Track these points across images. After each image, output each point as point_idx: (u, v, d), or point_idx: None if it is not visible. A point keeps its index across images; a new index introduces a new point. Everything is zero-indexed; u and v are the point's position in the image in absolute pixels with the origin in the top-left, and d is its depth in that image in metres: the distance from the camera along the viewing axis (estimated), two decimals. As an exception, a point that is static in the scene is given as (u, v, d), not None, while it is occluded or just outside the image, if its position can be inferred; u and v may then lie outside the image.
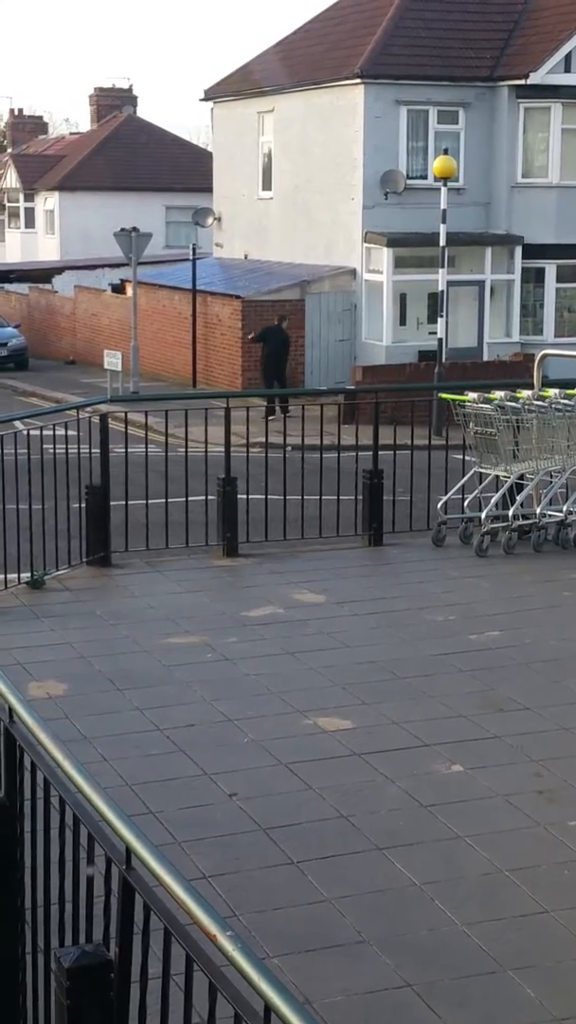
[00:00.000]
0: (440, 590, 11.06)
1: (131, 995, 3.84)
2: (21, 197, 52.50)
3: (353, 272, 30.12)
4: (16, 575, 10.94)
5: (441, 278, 26.14)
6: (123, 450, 11.93)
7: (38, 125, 65.27)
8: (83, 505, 11.64)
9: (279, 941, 5.35)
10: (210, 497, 12.24)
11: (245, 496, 12.25)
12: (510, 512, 12.26)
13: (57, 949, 4.12)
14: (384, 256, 29.40)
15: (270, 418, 18.24)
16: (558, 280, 30.41)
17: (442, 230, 25.78)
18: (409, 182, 29.33)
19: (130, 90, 57.96)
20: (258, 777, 7.13)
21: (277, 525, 12.27)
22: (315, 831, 6.49)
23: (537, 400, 12.55)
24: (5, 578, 10.83)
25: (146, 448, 12.15)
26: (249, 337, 28.94)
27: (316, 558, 12.09)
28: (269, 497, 12.23)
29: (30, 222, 52.37)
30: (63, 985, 3.86)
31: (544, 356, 13.27)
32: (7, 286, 47.29)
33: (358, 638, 9.71)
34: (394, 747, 7.53)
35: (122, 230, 31.69)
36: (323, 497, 12.39)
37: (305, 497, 12.44)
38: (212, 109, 36.09)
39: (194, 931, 3.41)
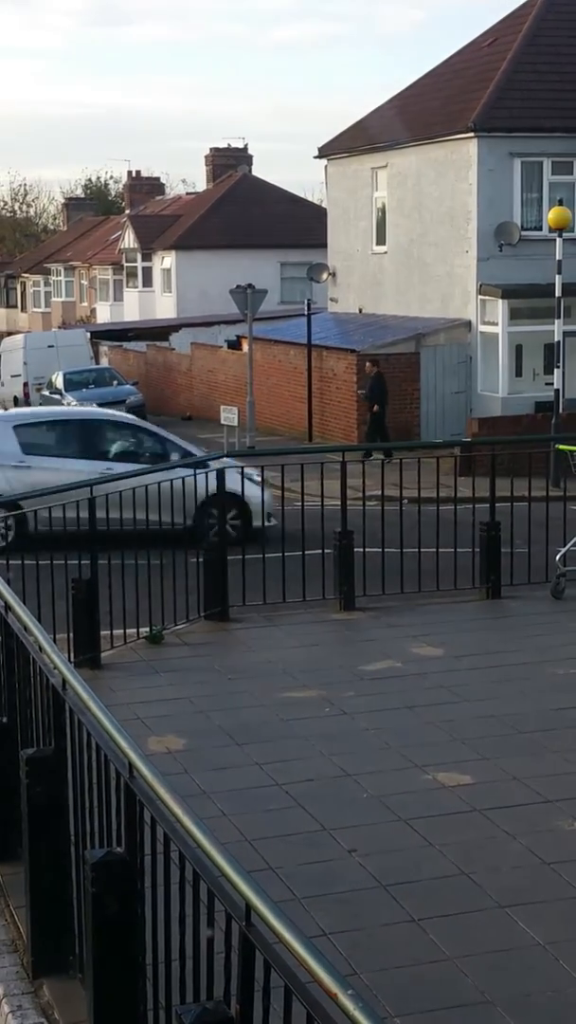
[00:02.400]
0: (560, 643, 10.91)
1: (252, 1054, 3.81)
2: (139, 257, 53.35)
3: (468, 324, 30.06)
4: (135, 630, 11.03)
5: (557, 329, 25.96)
6: (240, 505, 12.00)
7: (155, 186, 66.45)
8: (201, 560, 11.71)
9: (401, 1000, 5.28)
10: (327, 550, 12.24)
11: (362, 549, 12.23)
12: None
13: (178, 1006, 4.11)
14: (499, 308, 29.31)
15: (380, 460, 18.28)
16: None
17: (558, 281, 25.63)
18: (524, 233, 29.25)
19: (245, 149, 58.72)
20: (377, 833, 7.07)
21: (394, 578, 12.23)
22: (436, 888, 6.41)
23: None
24: (124, 633, 10.93)
25: (263, 502, 12.19)
26: (362, 394, 28.98)
27: (434, 611, 12.02)
28: (386, 550, 12.20)
29: (148, 281, 53.16)
30: (184, 1044, 3.85)
31: None
32: (125, 344, 48.02)
33: (477, 692, 9.61)
34: (515, 803, 7.42)
35: (238, 287, 32.02)
36: (440, 550, 12.33)
37: (422, 550, 12.39)
38: (326, 166, 36.42)
39: (315, 989, 3.38)
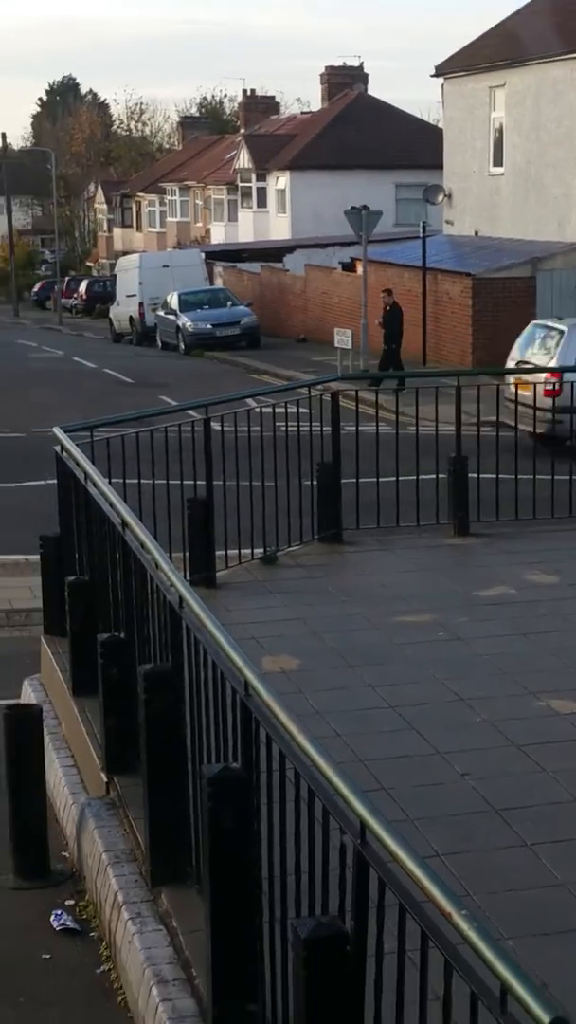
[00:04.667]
0: None
1: (367, 968, 3.88)
2: (253, 177, 53.05)
3: (587, 247, 29.52)
4: (250, 551, 11.11)
5: None
6: (354, 428, 11.98)
7: (270, 105, 65.86)
8: (314, 482, 11.73)
9: (513, 923, 5.32)
10: (441, 476, 12.19)
11: (476, 475, 12.16)
12: None
13: (294, 920, 4.19)
14: (619, 230, 28.76)
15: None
16: None
17: None
18: None
19: (361, 68, 57.94)
20: (490, 758, 7.09)
21: (509, 505, 12.15)
22: (548, 814, 6.43)
23: None
24: (239, 554, 11.01)
25: (376, 426, 12.15)
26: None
27: (549, 538, 11.93)
28: (500, 476, 12.11)
29: (262, 202, 52.88)
30: (300, 955, 3.92)
31: None
32: (239, 265, 47.94)
33: (592, 620, 9.55)
34: (629, 731, 7.39)
35: (352, 208, 31.74)
36: (555, 477, 12.20)
37: (538, 476, 12.28)
38: (443, 85, 35.80)
39: (429, 908, 3.42)
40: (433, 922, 3.38)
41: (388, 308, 28.73)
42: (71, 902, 6.85)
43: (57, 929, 6.56)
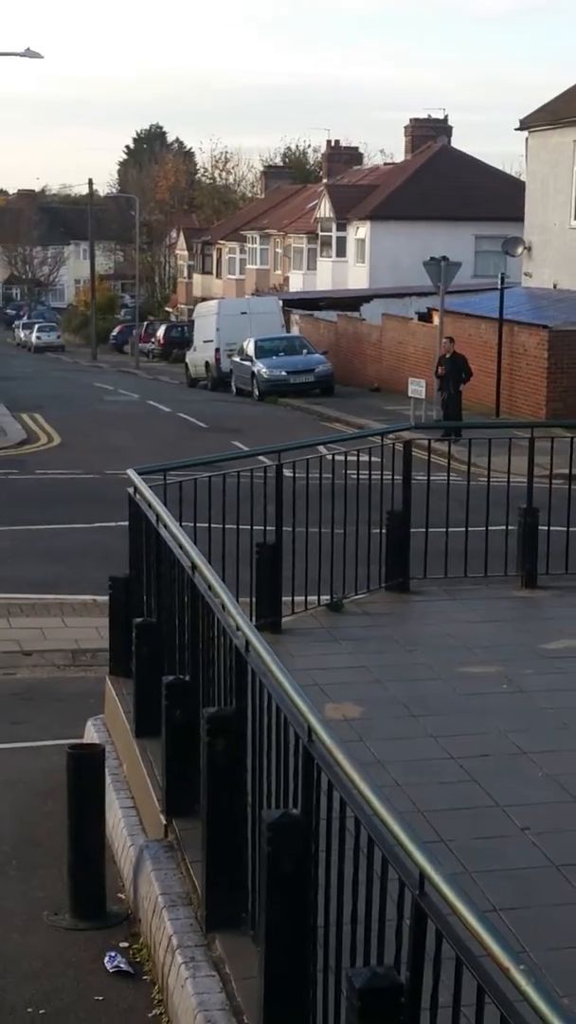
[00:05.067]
0: None
1: (420, 1022, 3.84)
2: (333, 226, 53.37)
3: None
4: (316, 598, 11.10)
5: None
6: (425, 477, 11.96)
7: (353, 156, 66.37)
8: (383, 531, 11.72)
9: (571, 981, 5.23)
10: (511, 527, 12.13)
11: (546, 528, 12.09)
12: None
13: (349, 969, 4.15)
14: None
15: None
16: None
17: None
18: None
19: (445, 120, 58.23)
20: (552, 812, 7.01)
21: (579, 558, 12.05)
22: (610, 872, 6.33)
23: None
24: (306, 600, 11.01)
25: (448, 476, 12.13)
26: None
27: (618, 594, 11.80)
28: (571, 529, 12.03)
29: (341, 251, 53.18)
30: (354, 1006, 3.89)
31: None
32: (316, 314, 48.19)
33: None
34: None
35: (431, 259, 31.82)
36: (629, 532, 12.08)
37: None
38: (527, 138, 35.90)
39: (486, 962, 3.38)
40: (490, 976, 3.34)
41: (449, 355, 28.65)
42: (125, 944, 6.84)
43: (111, 971, 6.55)
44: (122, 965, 6.58)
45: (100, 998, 6.33)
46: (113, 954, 6.67)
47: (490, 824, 6.86)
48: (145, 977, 6.48)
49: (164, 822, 7.14)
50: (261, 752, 5.51)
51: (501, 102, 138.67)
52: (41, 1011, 6.21)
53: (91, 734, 9.63)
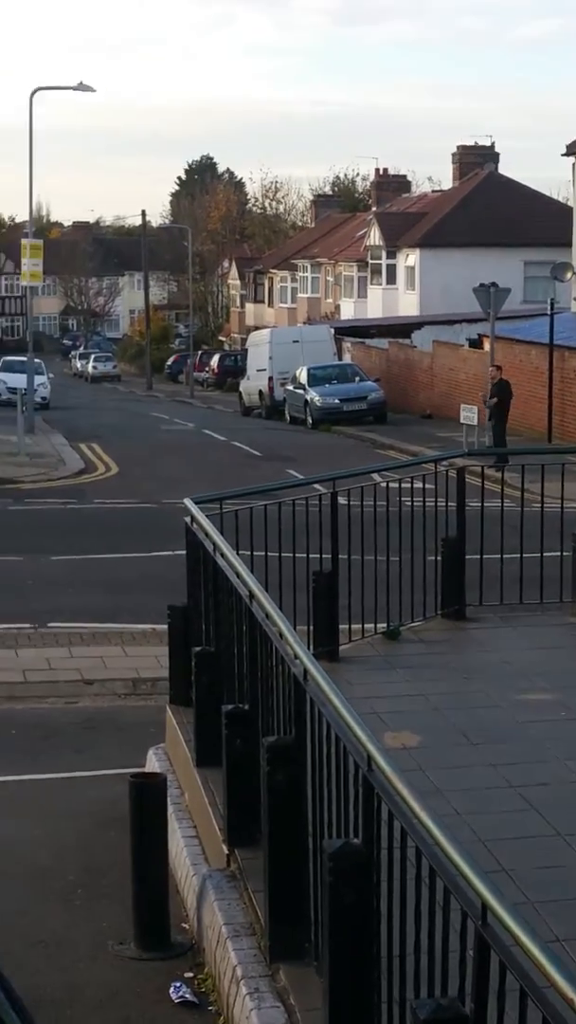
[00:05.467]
0: None
1: (486, 1052, 3.84)
2: (383, 254, 53.48)
3: None
4: (373, 626, 11.11)
5: None
6: (479, 504, 11.96)
7: (401, 184, 66.44)
8: (439, 558, 11.71)
9: None
10: (565, 553, 12.09)
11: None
12: None
13: (413, 1000, 4.16)
14: None
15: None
16: None
17: None
18: None
19: (492, 147, 58.26)
20: (614, 842, 6.98)
21: None
22: None
23: None
24: (363, 628, 11.02)
25: (502, 502, 12.11)
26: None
27: None
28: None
29: (391, 278, 53.26)
30: (419, 1036, 3.89)
31: None
32: (368, 341, 48.27)
33: None
34: None
35: (481, 285, 31.83)
36: None
37: None
38: (573, 164, 35.86)
39: (551, 994, 3.39)
40: (556, 1008, 3.34)
41: (496, 382, 28.62)
42: (190, 974, 6.86)
43: (176, 1001, 6.58)
44: (187, 995, 6.60)
45: (164, 1028, 6.35)
46: (178, 984, 6.70)
47: (552, 854, 6.84)
48: (210, 1008, 6.49)
49: (226, 852, 7.17)
50: (321, 781, 5.54)
51: (548, 128, 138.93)
52: (106, 1041, 6.24)
53: (152, 763, 9.68)
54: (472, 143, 58.26)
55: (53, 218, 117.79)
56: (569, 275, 35.50)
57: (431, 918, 4.22)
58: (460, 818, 7.14)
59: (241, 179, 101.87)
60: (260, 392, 45.99)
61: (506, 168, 62.13)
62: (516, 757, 8.28)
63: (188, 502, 9.57)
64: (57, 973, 6.95)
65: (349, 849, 4.87)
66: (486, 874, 3.92)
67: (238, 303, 79.20)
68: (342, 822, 5.22)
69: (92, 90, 38.40)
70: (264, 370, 45.31)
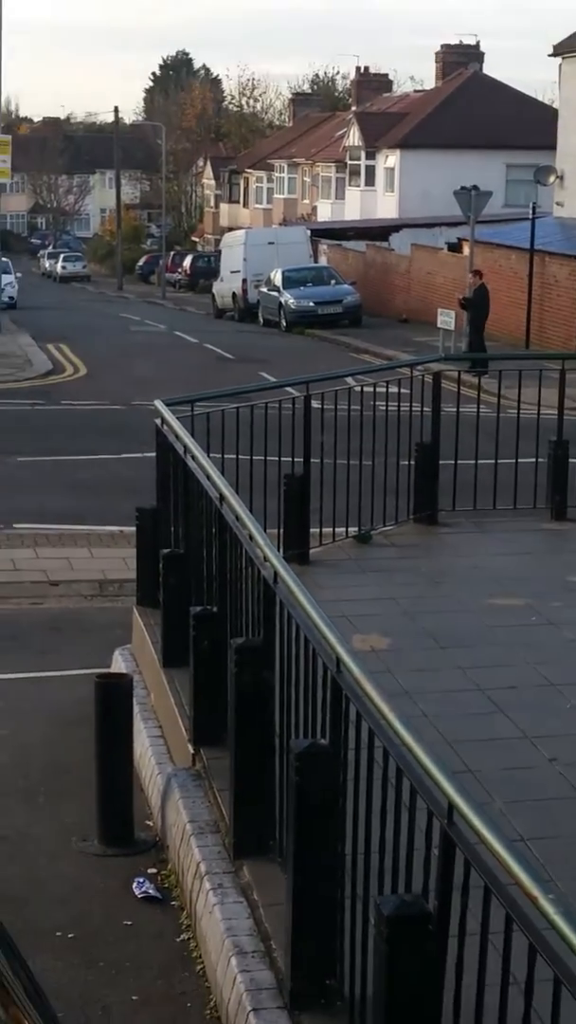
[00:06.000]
0: None
1: (448, 949, 3.86)
2: (363, 155, 52.83)
3: None
4: (344, 529, 11.08)
5: None
6: (454, 409, 11.89)
7: (383, 83, 65.45)
8: (412, 463, 11.66)
9: (597, 911, 5.25)
10: (540, 460, 12.06)
11: (576, 460, 12.02)
12: None
13: (377, 897, 4.18)
14: None
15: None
16: None
17: None
18: None
19: (477, 46, 57.39)
20: (580, 744, 7.02)
21: (608, 491, 11.99)
22: None
23: None
24: (334, 532, 10.99)
25: (477, 408, 12.04)
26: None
27: None
28: (601, 462, 11.96)
29: (370, 180, 52.65)
30: (383, 932, 3.92)
31: None
32: (345, 244, 47.81)
33: None
34: None
35: (462, 188, 31.45)
36: None
37: None
38: (560, 64, 35.33)
39: (514, 891, 3.40)
40: (518, 905, 3.35)
41: (475, 288, 28.31)
42: (154, 870, 6.90)
43: (139, 896, 6.62)
44: (150, 891, 6.65)
45: (129, 923, 6.40)
46: (141, 880, 6.74)
47: (518, 755, 6.88)
48: (173, 903, 6.54)
49: (192, 751, 7.18)
50: (289, 683, 5.52)
51: (534, 28, 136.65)
52: (70, 935, 6.29)
53: (119, 664, 9.68)
54: (456, 42, 57.37)
55: (22, 113, 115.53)
56: (552, 178, 35.16)
57: (397, 817, 4.23)
58: (428, 720, 7.16)
59: (217, 76, 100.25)
60: (234, 294, 45.59)
61: (491, 69, 61.44)
62: (484, 660, 8.31)
63: (159, 404, 9.46)
64: (18, 868, 6.99)
65: (316, 749, 4.86)
66: (453, 774, 3.91)
67: (212, 203, 78.27)
68: (310, 723, 5.21)
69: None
70: (238, 272, 44.87)
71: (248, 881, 5.83)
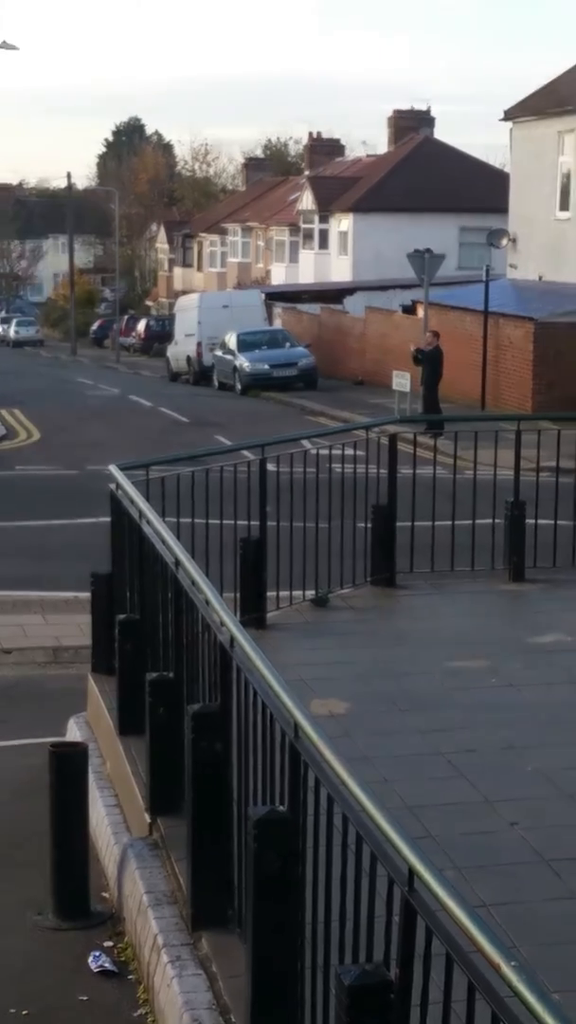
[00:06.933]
0: None
1: (411, 1018, 3.78)
2: (316, 218, 53.28)
3: None
4: (301, 592, 11.04)
5: None
6: (411, 471, 11.91)
7: (335, 148, 66.20)
8: (369, 525, 11.66)
9: (562, 977, 5.18)
10: (497, 521, 12.09)
11: (534, 521, 12.04)
12: None
13: (338, 967, 4.10)
14: None
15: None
16: None
17: None
18: None
19: (428, 112, 58.19)
20: (540, 807, 6.97)
21: (566, 552, 12.02)
22: (600, 867, 6.29)
23: None
24: (291, 595, 10.95)
25: (434, 470, 12.10)
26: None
27: (605, 586, 11.78)
28: (558, 523, 11.99)
29: (324, 243, 53.07)
30: (343, 1003, 3.84)
31: None
32: (299, 306, 48.10)
33: None
34: None
35: (415, 251, 31.75)
36: (616, 524, 12.06)
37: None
38: (511, 129, 35.86)
39: (477, 959, 3.34)
40: (481, 973, 3.29)
41: (430, 349, 28.38)
42: (110, 943, 6.77)
43: (95, 970, 6.49)
44: (107, 964, 6.52)
45: (85, 998, 6.27)
46: (97, 954, 6.61)
47: (479, 820, 6.82)
48: (130, 976, 6.42)
49: (149, 820, 7.08)
50: (247, 749, 5.45)
51: (484, 93, 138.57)
52: (24, 1012, 6.14)
53: (74, 732, 9.56)
54: (408, 107, 58.13)
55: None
56: (505, 241, 35.56)
57: (357, 885, 4.17)
58: (388, 785, 7.09)
59: (170, 142, 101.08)
60: (188, 357, 45.72)
61: (443, 133, 62.26)
62: (444, 724, 8.26)
63: (113, 468, 9.43)
64: (-27, 945, 6.84)
65: (275, 816, 4.79)
66: (413, 840, 3.86)
67: (166, 267, 78.66)
68: (268, 790, 5.14)
69: (15, 48, 38.00)
70: (193, 335, 45.01)
71: (207, 953, 5.73)
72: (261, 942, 4.82)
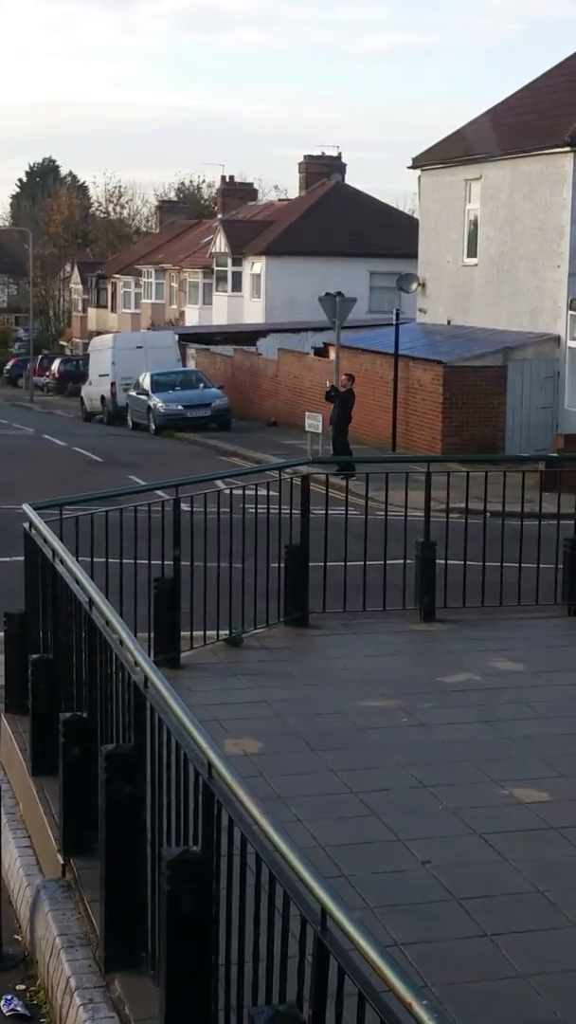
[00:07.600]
0: None
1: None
2: (229, 261, 53.56)
3: (557, 339, 29.86)
4: (215, 632, 11.06)
5: None
6: (323, 511, 11.99)
7: (248, 192, 66.69)
8: (282, 565, 11.72)
9: (472, 1015, 5.24)
10: (409, 561, 12.20)
11: (444, 561, 12.18)
12: None
13: (251, 1008, 4.12)
14: (589, 323, 29.08)
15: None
16: None
17: None
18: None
19: (339, 158, 58.78)
20: (452, 846, 7.03)
21: (475, 591, 12.17)
22: (509, 904, 6.36)
23: None
24: (204, 635, 10.96)
25: (346, 510, 12.18)
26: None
27: (514, 626, 11.94)
28: (468, 563, 12.14)
29: (237, 286, 53.36)
30: (257, 1044, 3.85)
31: None
32: (213, 348, 48.23)
33: (557, 709, 9.53)
34: (592, 822, 7.34)
35: (327, 294, 32.02)
36: (523, 565, 12.24)
37: (504, 564, 12.31)
38: (419, 177, 36.34)
39: (389, 998, 3.37)
40: (393, 1012, 3.33)
41: (343, 391, 28.67)
42: (22, 987, 6.71)
43: (7, 1014, 6.42)
44: (19, 1008, 6.46)
45: (-4, 1043, 6.20)
46: (9, 997, 6.54)
47: (391, 858, 6.86)
48: (43, 1020, 6.36)
49: (62, 862, 7.04)
50: (161, 789, 5.46)
51: (394, 141, 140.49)
52: None
53: (-14, 773, 9.46)
54: (319, 153, 58.71)
55: None
56: (414, 286, 35.98)
57: (270, 925, 4.19)
58: (301, 824, 7.12)
59: (84, 183, 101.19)
60: (102, 397, 45.61)
61: (353, 179, 62.89)
62: (357, 763, 8.30)
63: (27, 508, 9.41)
64: None
65: (188, 856, 4.81)
66: (326, 880, 3.89)
67: (80, 308, 78.56)
68: (182, 830, 5.15)
69: None
70: (107, 375, 44.94)
71: (120, 995, 5.70)
72: (175, 983, 4.82)
